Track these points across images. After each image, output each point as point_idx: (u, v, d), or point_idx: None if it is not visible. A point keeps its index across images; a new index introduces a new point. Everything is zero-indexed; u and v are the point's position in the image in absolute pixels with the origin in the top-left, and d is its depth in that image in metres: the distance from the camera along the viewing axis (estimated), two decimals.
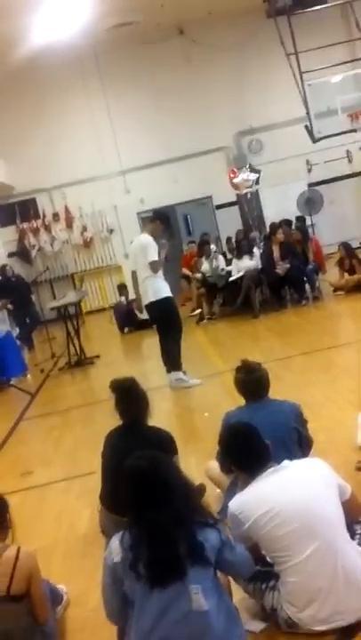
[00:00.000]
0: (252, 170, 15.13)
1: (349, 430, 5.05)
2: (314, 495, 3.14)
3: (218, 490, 4.48)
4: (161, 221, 8.24)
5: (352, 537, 3.20)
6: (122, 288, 14.69)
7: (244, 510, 3.16)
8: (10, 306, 11.51)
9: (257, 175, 14.55)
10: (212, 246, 14.02)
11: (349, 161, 17.83)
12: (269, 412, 4.06)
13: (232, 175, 14.76)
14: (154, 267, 7.85)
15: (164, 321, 8.22)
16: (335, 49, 15.75)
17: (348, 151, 17.46)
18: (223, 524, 3.22)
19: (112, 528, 4.21)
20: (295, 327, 10.68)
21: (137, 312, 9.20)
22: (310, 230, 15.42)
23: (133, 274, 8.22)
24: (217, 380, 8.10)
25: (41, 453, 7.06)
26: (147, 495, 2.83)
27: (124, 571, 2.78)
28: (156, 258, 7.86)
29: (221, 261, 13.18)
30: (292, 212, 16.09)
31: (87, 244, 18.93)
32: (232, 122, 18.39)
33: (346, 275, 11.99)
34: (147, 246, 7.89)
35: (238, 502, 3.23)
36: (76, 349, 11.09)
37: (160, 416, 6.10)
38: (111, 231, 18.85)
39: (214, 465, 4.37)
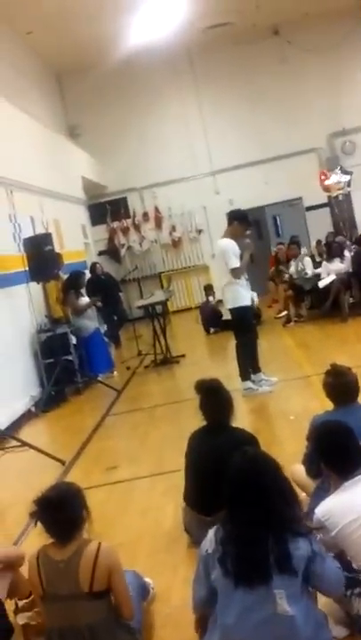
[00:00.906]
0: (344, 172, 14.90)
1: None
2: None
3: (303, 494, 4.44)
4: (239, 222, 8.00)
5: None
6: (208, 288, 14.74)
7: (332, 517, 3.12)
8: (99, 303, 11.69)
9: (349, 177, 14.33)
10: (303, 249, 13.88)
11: None
12: (359, 417, 3.99)
13: (323, 177, 14.58)
14: (235, 274, 7.72)
15: (238, 329, 8.17)
16: None
17: None
18: (315, 535, 3.17)
19: (196, 527, 4.25)
20: None
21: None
22: None
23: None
24: (303, 384, 8.03)
25: (126, 449, 7.16)
26: (244, 493, 2.83)
27: (214, 563, 2.82)
28: (237, 265, 7.70)
29: (308, 264, 13.01)
30: None
31: (175, 243, 19.06)
32: (325, 123, 18.16)
33: None
34: (226, 252, 7.73)
35: (325, 509, 3.18)
36: (162, 348, 11.18)
37: (244, 418, 6.12)
38: (200, 232, 18.91)
39: (300, 468, 4.33)
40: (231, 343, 12.18)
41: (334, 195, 14.85)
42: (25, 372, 9.96)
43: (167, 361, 11.09)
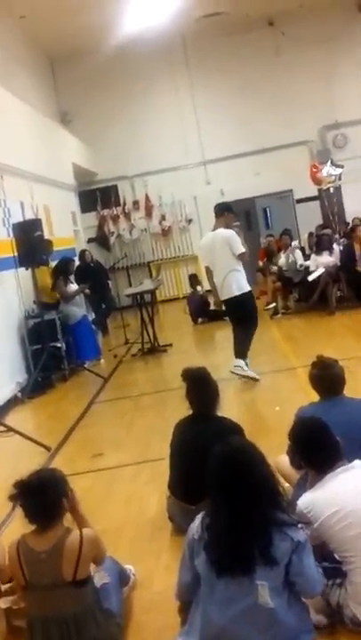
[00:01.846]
0: (335, 165, 14.91)
1: None
2: None
3: (286, 484, 4.46)
4: (229, 212, 8.26)
5: None
6: (194, 278, 14.74)
7: (314, 509, 3.15)
8: (87, 291, 11.68)
9: (340, 170, 14.35)
10: (295, 242, 13.90)
11: None
12: (344, 410, 4.02)
13: (314, 170, 14.58)
14: (243, 258, 7.95)
15: (244, 314, 8.18)
16: None
17: None
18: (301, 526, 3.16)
19: (180, 516, 4.28)
20: None
21: (215, 307, 9.22)
22: None
23: (208, 269, 8.23)
24: (289, 375, 8.08)
25: (112, 437, 7.18)
26: (227, 483, 2.84)
27: (199, 549, 2.84)
28: (244, 249, 7.93)
29: (299, 256, 13.04)
30: None
31: (165, 233, 19.07)
32: (317, 116, 18.17)
33: None
34: (232, 239, 7.92)
35: (308, 500, 3.21)
36: (149, 337, 11.20)
37: (230, 408, 6.13)
38: (190, 221, 18.91)
39: (284, 459, 4.34)
40: (219, 333, 12.37)
41: (325, 188, 14.84)
42: (12, 358, 9.94)
43: (154, 350, 11.12)
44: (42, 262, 10.15)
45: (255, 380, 8.00)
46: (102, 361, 11.24)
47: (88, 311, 12.42)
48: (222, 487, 2.85)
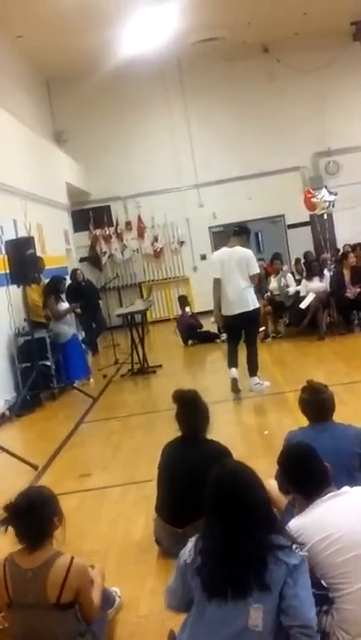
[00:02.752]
0: (330, 192, 15.01)
1: None
2: None
3: (275, 509, 4.45)
4: (247, 235, 8.98)
5: None
6: (183, 300, 14.77)
7: (303, 534, 3.12)
8: (78, 310, 11.69)
9: (334, 197, 14.45)
10: (285, 267, 13.98)
11: None
12: (333, 435, 4.02)
13: (309, 195, 14.67)
14: (255, 279, 8.68)
15: (252, 327, 8.89)
16: None
17: None
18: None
19: (166, 538, 4.26)
20: None
21: (215, 320, 9.75)
22: None
23: (217, 282, 8.50)
24: (279, 400, 8.07)
25: (100, 457, 7.14)
26: (222, 506, 2.80)
27: (192, 573, 2.80)
28: (258, 270, 8.74)
29: (291, 281, 13.10)
30: None
31: (157, 254, 19.12)
32: (310, 142, 18.38)
33: None
34: (251, 259, 8.55)
35: (296, 525, 3.18)
36: (139, 357, 11.19)
37: (220, 431, 6.09)
38: (182, 243, 19.00)
39: (273, 484, 4.33)
40: (209, 355, 12.38)
41: (319, 213, 14.91)
42: (1, 375, 9.91)
43: (144, 371, 11.10)
44: (34, 280, 10.15)
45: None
46: (92, 380, 11.21)
47: (78, 330, 12.40)
48: (217, 509, 2.81)
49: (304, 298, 12.17)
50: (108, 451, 7.24)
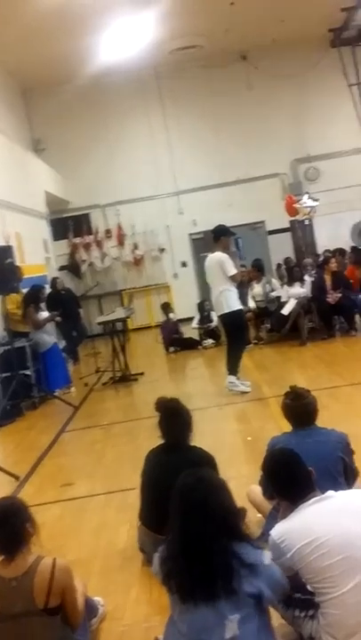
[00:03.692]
0: (311, 198, 15.09)
1: None
2: (359, 527, 3.09)
3: (259, 515, 4.44)
4: (225, 235, 8.95)
5: None
6: (166, 306, 14.77)
7: (287, 539, 3.11)
8: (58, 318, 11.63)
9: (316, 203, 14.52)
10: (265, 277, 13.98)
11: None
12: (316, 440, 4.01)
13: (290, 201, 14.73)
14: (234, 279, 8.68)
15: (232, 330, 8.96)
16: None
17: None
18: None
19: (150, 546, 4.22)
20: (343, 357, 10.56)
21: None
22: None
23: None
24: (261, 405, 8.07)
25: (82, 466, 7.09)
26: (187, 511, 2.82)
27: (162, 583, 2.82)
28: (234, 272, 8.62)
29: (276, 285, 13.15)
30: (344, 242, 16.04)
31: (137, 261, 19.10)
32: (289, 149, 18.47)
33: None
34: (224, 262, 8.61)
35: (281, 530, 3.17)
36: (120, 365, 11.15)
37: (203, 438, 6.08)
38: (162, 250, 18.99)
39: (257, 489, 4.33)
40: (191, 362, 12.36)
41: (301, 219, 14.96)
42: None
43: (126, 378, 11.06)
44: (13, 290, 10.08)
45: (246, 392, 8.71)
46: (73, 389, 11.14)
47: (58, 339, 12.33)
48: (178, 515, 2.84)
49: (285, 303, 12.19)
50: (90, 459, 7.19)
